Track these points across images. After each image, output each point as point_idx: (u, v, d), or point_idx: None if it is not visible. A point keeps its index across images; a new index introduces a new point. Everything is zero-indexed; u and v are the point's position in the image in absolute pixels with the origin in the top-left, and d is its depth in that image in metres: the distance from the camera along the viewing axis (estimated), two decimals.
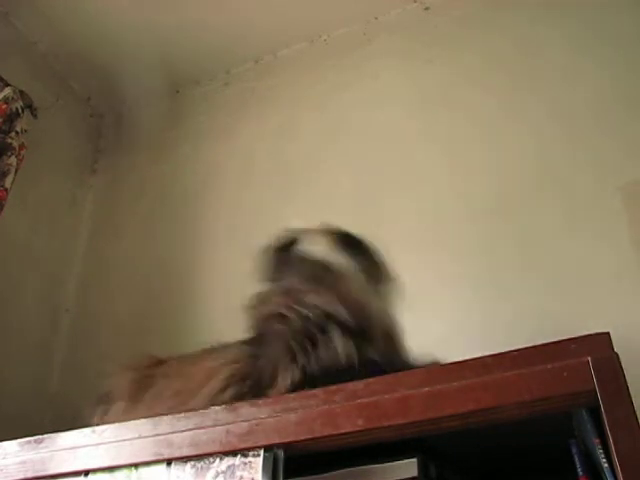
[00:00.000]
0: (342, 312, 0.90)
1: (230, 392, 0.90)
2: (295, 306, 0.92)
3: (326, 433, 0.74)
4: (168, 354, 1.13)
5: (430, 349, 1.26)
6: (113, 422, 0.89)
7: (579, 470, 0.69)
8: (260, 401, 0.80)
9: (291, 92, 1.80)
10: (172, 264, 1.69)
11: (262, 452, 0.76)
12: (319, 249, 0.99)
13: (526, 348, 0.70)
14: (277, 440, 0.76)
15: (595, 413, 0.65)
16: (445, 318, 1.30)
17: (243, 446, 0.77)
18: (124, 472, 0.83)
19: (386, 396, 0.73)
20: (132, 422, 0.86)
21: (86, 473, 0.85)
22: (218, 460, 0.78)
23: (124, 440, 0.84)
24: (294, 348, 0.88)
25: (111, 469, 0.83)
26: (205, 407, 0.83)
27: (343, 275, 0.96)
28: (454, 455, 0.83)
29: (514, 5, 1.62)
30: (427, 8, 1.73)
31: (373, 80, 1.70)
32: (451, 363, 0.78)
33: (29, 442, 0.91)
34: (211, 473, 0.77)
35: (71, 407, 1.53)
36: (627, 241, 1.24)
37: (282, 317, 0.92)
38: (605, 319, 1.14)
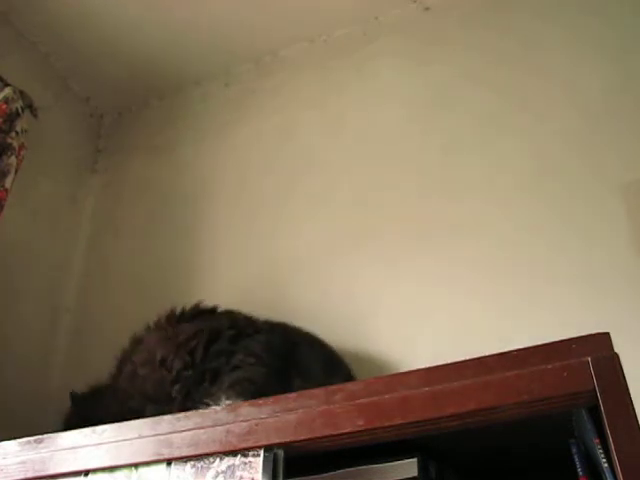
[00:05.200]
0: None
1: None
2: None
3: (326, 433, 0.74)
4: None
5: (429, 349, 1.27)
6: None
7: (579, 470, 0.69)
8: (260, 401, 0.80)
9: (291, 92, 1.80)
10: (172, 264, 1.69)
11: (262, 452, 0.76)
12: None
13: (526, 348, 0.70)
14: (277, 440, 0.76)
15: (595, 413, 0.65)
16: (443, 318, 1.30)
17: (243, 446, 0.77)
18: (124, 472, 0.83)
19: (386, 396, 0.73)
20: (132, 422, 0.86)
21: (86, 473, 0.85)
22: (218, 460, 0.78)
23: (124, 440, 0.84)
24: None
25: (111, 469, 0.84)
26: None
27: None
28: (454, 455, 0.83)
29: (514, 5, 1.62)
30: (427, 8, 1.73)
31: (373, 80, 1.70)
32: (451, 363, 0.78)
33: (29, 442, 0.91)
34: (211, 473, 0.77)
35: None
36: (627, 241, 1.23)
37: None
38: (605, 319, 1.14)
